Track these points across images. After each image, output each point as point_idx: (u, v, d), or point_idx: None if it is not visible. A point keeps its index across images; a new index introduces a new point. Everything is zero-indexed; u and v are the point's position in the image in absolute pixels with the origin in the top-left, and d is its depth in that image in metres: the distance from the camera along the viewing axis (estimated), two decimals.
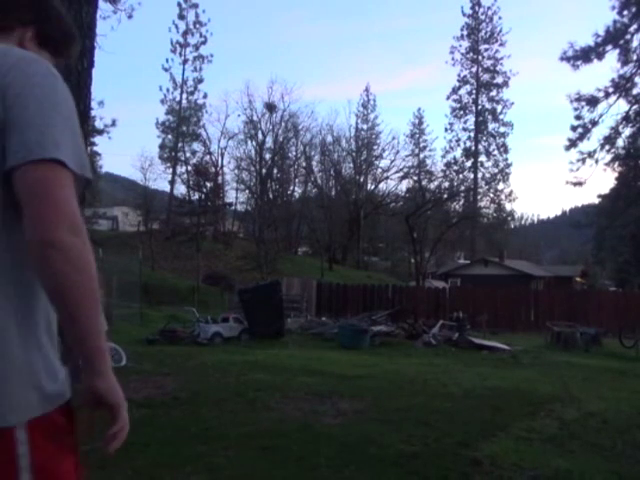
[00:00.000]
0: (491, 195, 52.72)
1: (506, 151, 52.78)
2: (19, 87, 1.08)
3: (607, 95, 25.29)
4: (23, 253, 1.05)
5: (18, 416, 1.03)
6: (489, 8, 51.85)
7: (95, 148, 39.04)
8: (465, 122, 53.23)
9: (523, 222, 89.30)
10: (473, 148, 52.55)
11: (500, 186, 52.33)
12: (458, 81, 53.00)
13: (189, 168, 45.08)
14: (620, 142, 26.55)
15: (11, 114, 1.06)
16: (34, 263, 1.05)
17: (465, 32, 52.54)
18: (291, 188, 49.65)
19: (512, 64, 52.74)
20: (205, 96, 48.52)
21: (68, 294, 1.03)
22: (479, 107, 52.70)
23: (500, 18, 52.08)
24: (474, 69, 52.69)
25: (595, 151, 26.29)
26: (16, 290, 1.08)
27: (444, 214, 41.21)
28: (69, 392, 1.13)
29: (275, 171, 46.16)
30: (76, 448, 1.15)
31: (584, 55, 24.52)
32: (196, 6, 47.52)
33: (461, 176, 52.03)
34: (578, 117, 25.98)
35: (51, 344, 1.12)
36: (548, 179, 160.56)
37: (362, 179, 49.32)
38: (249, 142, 45.02)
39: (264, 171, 43.97)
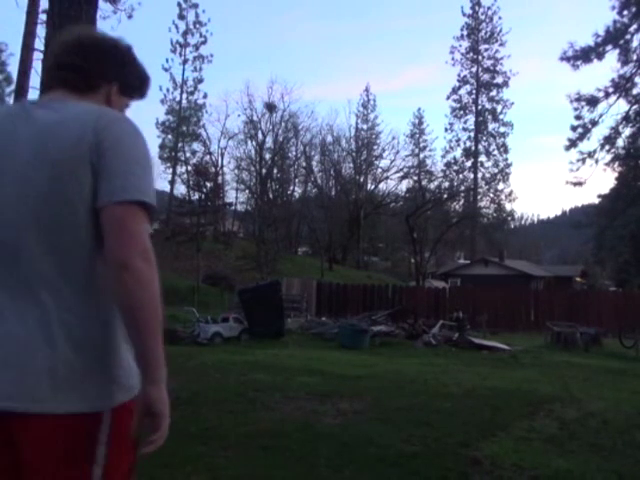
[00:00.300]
0: (491, 195, 52.74)
1: (506, 151, 52.80)
2: (109, 143, 1.33)
3: (607, 95, 25.29)
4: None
5: (108, 403, 1.30)
6: (489, 8, 51.91)
7: None
8: (465, 122, 53.26)
9: (523, 222, 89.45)
10: (473, 148, 52.54)
11: (500, 186, 52.35)
12: (458, 81, 53.05)
13: (189, 168, 45.09)
14: (620, 142, 26.56)
15: (103, 165, 1.31)
16: (111, 282, 1.28)
17: (465, 32, 52.59)
18: (291, 188, 49.72)
19: (512, 64, 52.84)
20: (205, 96, 48.53)
21: (135, 309, 1.26)
22: (479, 107, 52.70)
23: (500, 18, 52.14)
24: (474, 69, 52.70)
25: (595, 151, 26.30)
26: (101, 302, 1.33)
27: (444, 214, 41.25)
28: (139, 385, 1.34)
29: (275, 171, 46.17)
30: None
31: (584, 55, 24.51)
32: (196, 6, 47.54)
33: (461, 176, 52.06)
34: (578, 117, 25.98)
35: (128, 347, 1.35)
36: (548, 179, 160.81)
37: (362, 179, 49.36)
38: (249, 142, 45.10)
39: (264, 171, 43.98)
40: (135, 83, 1.61)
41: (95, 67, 1.51)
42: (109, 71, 1.54)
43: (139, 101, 1.68)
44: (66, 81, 1.48)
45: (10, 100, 27.70)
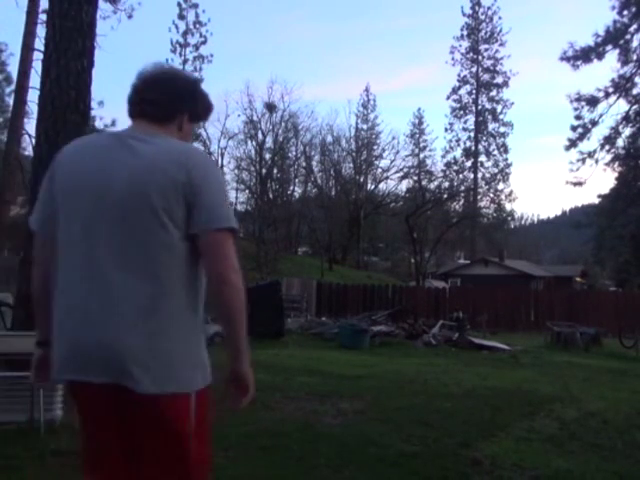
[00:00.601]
0: (491, 195, 52.70)
1: (506, 151, 52.79)
2: (200, 179, 1.66)
3: (607, 95, 25.31)
4: (196, 281, 1.72)
5: (194, 388, 1.68)
6: (489, 8, 51.90)
7: None
8: (465, 122, 53.25)
9: (523, 222, 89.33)
10: (473, 148, 52.53)
11: (500, 186, 52.32)
12: (458, 81, 53.05)
13: None
14: (620, 142, 26.58)
15: (196, 198, 1.64)
16: (211, 291, 1.70)
17: (465, 32, 52.59)
18: (291, 188, 49.62)
19: (512, 64, 52.77)
20: None
21: (232, 312, 1.67)
22: (479, 107, 52.69)
23: (500, 18, 52.14)
24: (474, 69, 52.70)
25: (595, 151, 26.33)
26: (189, 306, 1.71)
27: (444, 214, 41.23)
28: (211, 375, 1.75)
29: (275, 171, 46.08)
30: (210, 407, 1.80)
31: (584, 55, 24.53)
32: (196, 6, 47.49)
33: (461, 176, 52.01)
34: (578, 117, 26.00)
35: (205, 341, 1.78)
36: (548, 179, 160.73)
37: (362, 179, 49.27)
38: (249, 142, 44.95)
39: (264, 171, 43.92)
40: (201, 112, 1.95)
41: (170, 102, 1.83)
42: (181, 104, 1.85)
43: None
44: (147, 113, 1.80)
45: (10, 100, 27.63)
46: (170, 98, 1.83)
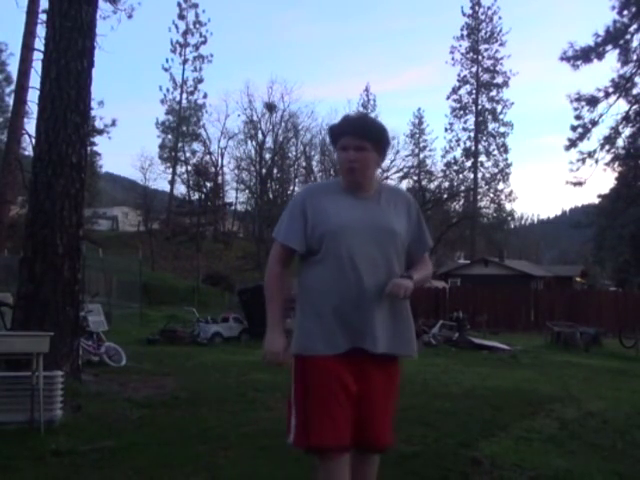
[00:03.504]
0: (491, 195, 52.63)
1: (506, 151, 52.72)
2: None
3: (607, 95, 25.30)
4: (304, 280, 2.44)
5: (293, 352, 2.39)
6: (489, 8, 51.82)
7: (95, 148, 39.13)
8: (465, 122, 53.13)
9: (523, 222, 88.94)
10: (473, 148, 52.47)
11: (500, 186, 52.23)
12: (458, 81, 52.96)
13: (189, 168, 45.14)
14: (620, 142, 26.57)
15: None
16: None
17: (465, 32, 52.50)
18: (291, 188, 49.53)
19: (512, 64, 52.61)
20: (205, 96, 48.57)
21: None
22: (479, 107, 52.64)
23: (500, 18, 52.03)
24: (474, 69, 52.64)
25: (595, 151, 26.31)
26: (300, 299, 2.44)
27: (444, 214, 41.22)
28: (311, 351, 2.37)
29: (275, 171, 46.07)
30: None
31: (584, 55, 24.52)
32: (196, 6, 47.59)
33: (461, 176, 51.93)
34: (578, 117, 25.99)
35: (310, 320, 2.36)
36: (548, 179, 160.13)
37: None
38: (249, 142, 44.93)
39: (264, 171, 43.91)
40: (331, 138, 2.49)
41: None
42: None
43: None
44: None
45: (10, 100, 27.63)
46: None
